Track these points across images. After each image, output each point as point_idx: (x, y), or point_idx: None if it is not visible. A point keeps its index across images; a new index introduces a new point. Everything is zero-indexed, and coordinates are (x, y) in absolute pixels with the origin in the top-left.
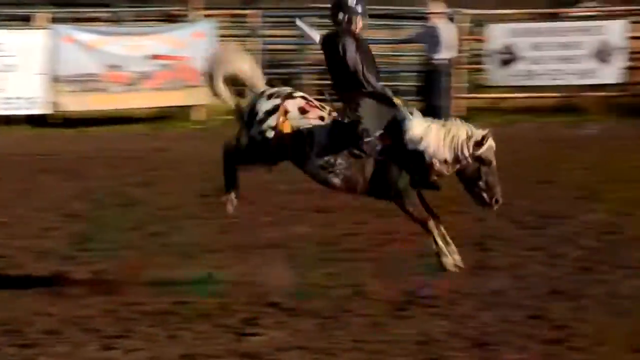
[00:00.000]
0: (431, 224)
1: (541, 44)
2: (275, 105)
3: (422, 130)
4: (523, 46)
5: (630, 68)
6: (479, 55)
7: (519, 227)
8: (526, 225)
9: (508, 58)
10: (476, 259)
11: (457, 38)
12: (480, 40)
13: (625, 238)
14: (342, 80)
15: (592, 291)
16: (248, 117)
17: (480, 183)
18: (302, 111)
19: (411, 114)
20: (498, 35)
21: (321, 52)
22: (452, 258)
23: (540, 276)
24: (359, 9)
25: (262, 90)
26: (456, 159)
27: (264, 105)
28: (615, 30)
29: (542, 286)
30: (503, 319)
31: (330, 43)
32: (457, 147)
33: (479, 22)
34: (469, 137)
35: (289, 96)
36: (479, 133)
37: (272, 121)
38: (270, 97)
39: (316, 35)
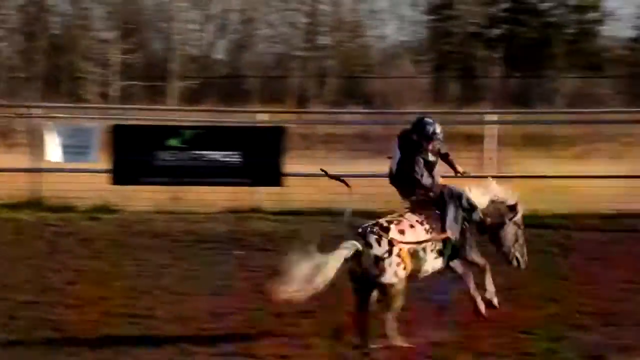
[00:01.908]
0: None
1: None
2: (387, 245)
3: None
4: None
5: None
6: None
7: None
8: None
9: None
10: None
11: None
12: None
13: None
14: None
15: None
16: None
17: (517, 245)
18: (402, 232)
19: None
20: None
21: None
22: None
23: None
24: (432, 134)
25: (360, 239)
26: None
27: (379, 251)
28: None
29: None
30: None
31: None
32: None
33: None
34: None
35: (385, 229)
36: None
37: (395, 259)
38: (378, 241)
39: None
